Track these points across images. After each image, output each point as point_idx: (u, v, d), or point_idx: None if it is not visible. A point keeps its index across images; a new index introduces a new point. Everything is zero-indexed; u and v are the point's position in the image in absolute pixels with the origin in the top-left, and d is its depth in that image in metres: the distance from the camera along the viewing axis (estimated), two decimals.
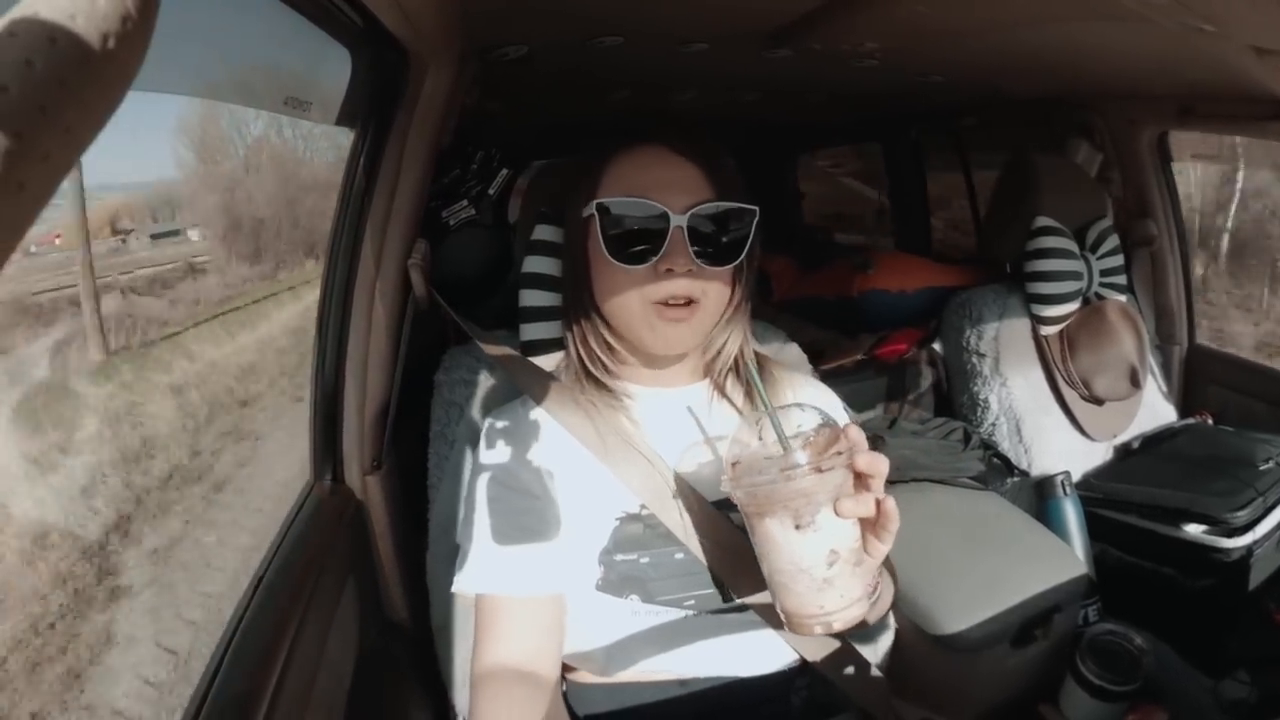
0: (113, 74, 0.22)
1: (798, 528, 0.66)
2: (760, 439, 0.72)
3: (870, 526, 0.68)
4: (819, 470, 0.64)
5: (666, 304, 0.82)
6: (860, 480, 0.67)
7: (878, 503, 0.67)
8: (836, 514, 0.65)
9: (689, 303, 0.83)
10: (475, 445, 0.93)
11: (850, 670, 0.93)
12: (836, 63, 1.36)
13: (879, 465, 0.66)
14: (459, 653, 1.03)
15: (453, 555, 1.02)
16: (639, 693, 0.86)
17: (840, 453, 0.65)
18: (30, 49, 0.20)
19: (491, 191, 1.30)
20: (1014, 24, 1.07)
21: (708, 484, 0.87)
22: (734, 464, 0.70)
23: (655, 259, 0.81)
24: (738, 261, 0.85)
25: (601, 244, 0.82)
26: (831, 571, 0.66)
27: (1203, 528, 1.44)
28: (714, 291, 0.84)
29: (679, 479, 0.86)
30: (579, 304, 0.90)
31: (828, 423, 0.71)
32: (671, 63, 1.38)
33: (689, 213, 0.81)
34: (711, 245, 0.82)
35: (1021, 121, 2.12)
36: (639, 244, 0.81)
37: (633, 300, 0.83)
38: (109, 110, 0.22)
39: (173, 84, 0.74)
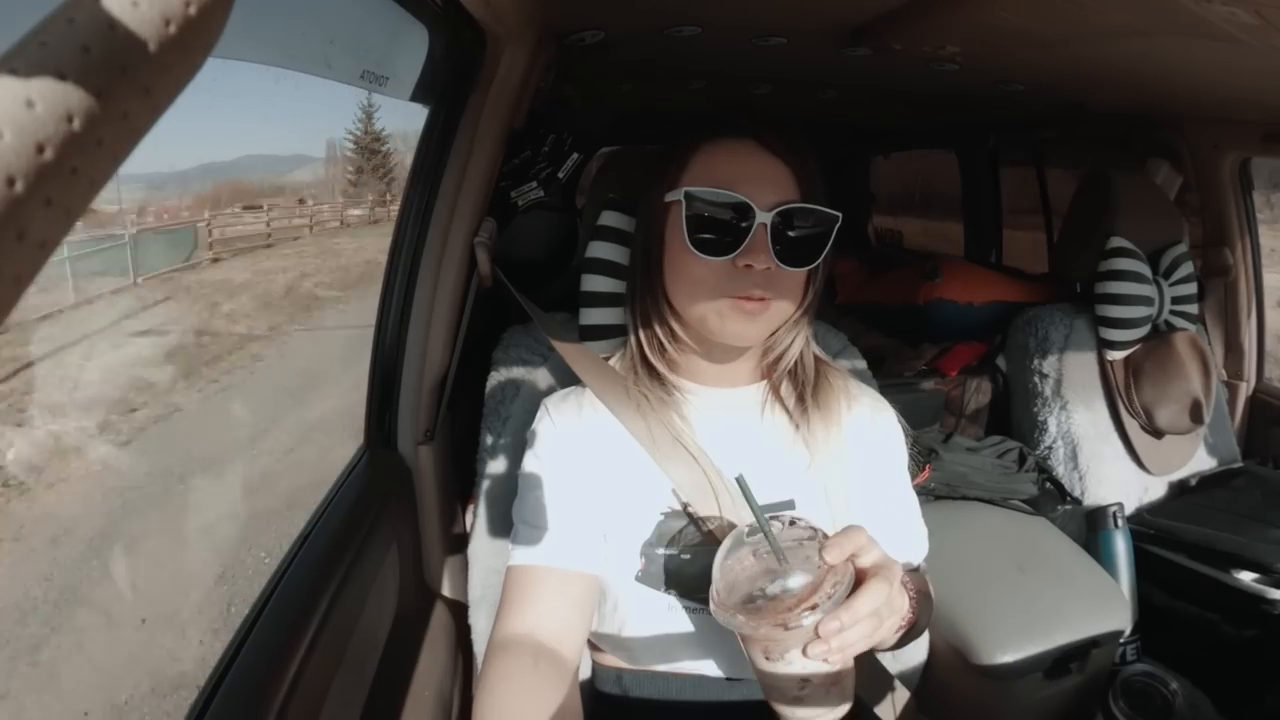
0: (193, 40, 0.22)
1: (768, 659, 0.66)
2: (752, 539, 0.70)
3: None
4: (784, 628, 0.62)
5: (739, 298, 0.81)
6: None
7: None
8: (806, 656, 0.63)
9: (762, 300, 0.82)
10: (529, 424, 0.94)
11: (877, 685, 0.93)
12: (916, 64, 1.33)
13: (849, 622, 0.63)
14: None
15: (496, 530, 1.04)
16: (665, 684, 0.87)
17: (815, 605, 0.62)
18: (114, 12, 0.20)
19: (561, 174, 1.30)
20: (1100, 35, 1.03)
21: (752, 488, 0.87)
22: (720, 573, 0.69)
23: (735, 253, 0.80)
24: (814, 265, 0.84)
25: (684, 231, 0.81)
26: (803, 693, 0.66)
27: (1253, 576, 1.39)
28: (787, 292, 0.83)
29: (724, 481, 0.86)
30: (648, 288, 0.89)
31: (820, 538, 0.68)
32: (748, 56, 1.36)
33: (774, 211, 0.80)
34: (792, 246, 0.81)
35: (1102, 137, 2.05)
36: (721, 236, 0.80)
37: (706, 291, 0.82)
38: (188, 75, 0.23)
39: (251, 52, 0.76)
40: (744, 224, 0.80)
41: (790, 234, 0.81)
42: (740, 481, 0.72)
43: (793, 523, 0.71)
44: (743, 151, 0.84)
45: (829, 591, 0.63)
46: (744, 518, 0.84)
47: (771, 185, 0.82)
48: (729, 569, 0.69)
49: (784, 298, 0.83)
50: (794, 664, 0.65)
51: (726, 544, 0.71)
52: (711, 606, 0.68)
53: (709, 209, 0.81)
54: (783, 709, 0.69)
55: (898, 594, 0.68)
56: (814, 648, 0.62)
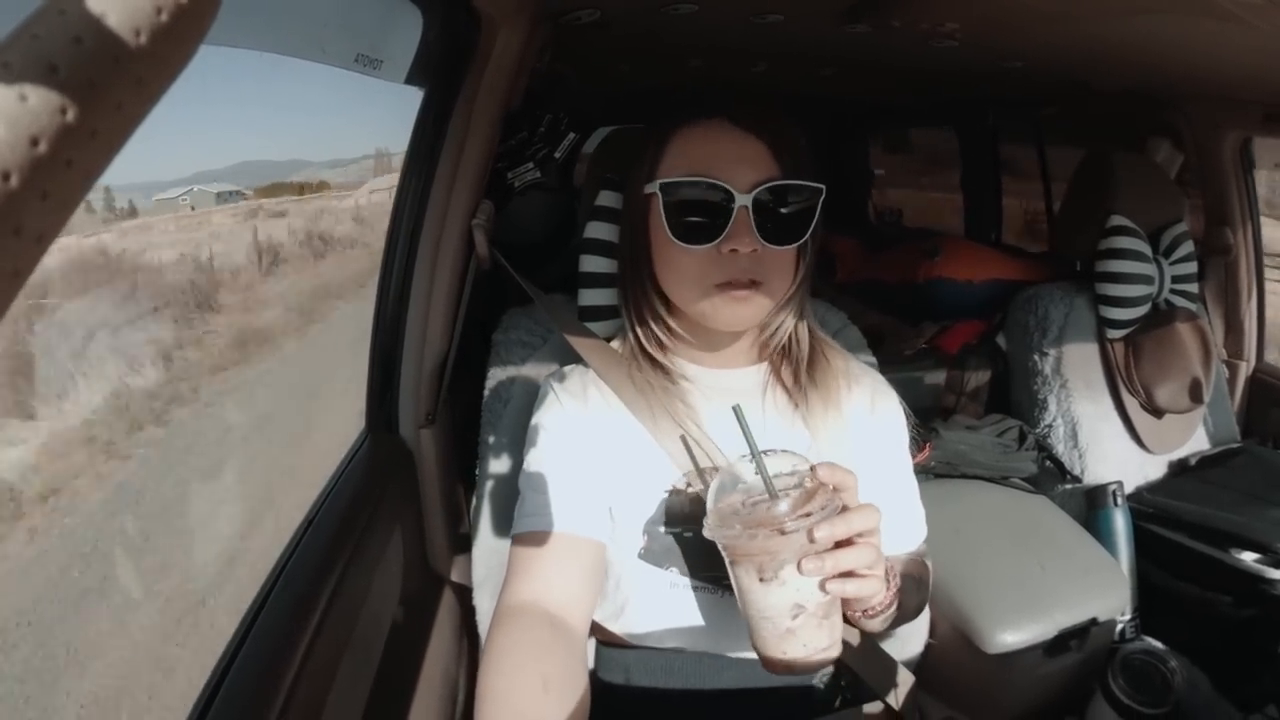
0: (185, 28, 0.22)
1: (761, 580, 0.66)
2: (745, 482, 0.71)
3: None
4: (781, 532, 0.64)
5: (729, 284, 0.80)
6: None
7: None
8: (800, 572, 0.65)
9: (751, 284, 0.81)
10: (530, 406, 0.94)
11: (878, 666, 0.93)
12: (915, 41, 1.32)
13: (841, 531, 0.65)
14: None
15: (499, 513, 1.04)
16: (667, 663, 0.87)
17: (809, 514, 0.64)
18: (105, 3, 0.20)
19: (558, 155, 1.28)
20: (1101, 14, 1.03)
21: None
22: (714, 510, 0.70)
23: (719, 239, 0.79)
24: (802, 241, 0.83)
25: (664, 223, 0.80)
26: (795, 623, 0.67)
27: (1253, 556, 1.39)
28: (778, 271, 0.83)
29: (725, 460, 0.85)
30: (637, 281, 0.89)
31: (807, 472, 0.70)
32: (746, 33, 1.35)
33: (754, 191, 0.78)
34: (776, 224, 0.80)
35: (1103, 115, 2.04)
36: (702, 223, 0.79)
37: (694, 281, 0.81)
38: (181, 64, 0.23)
39: (244, 39, 0.75)
40: (724, 209, 0.79)
41: (773, 212, 0.80)
42: (737, 411, 0.72)
43: (784, 451, 0.73)
44: (715, 132, 0.83)
45: (821, 503, 0.65)
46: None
47: (748, 164, 0.80)
48: (721, 511, 0.70)
49: (774, 278, 0.82)
50: (788, 584, 0.65)
51: (716, 483, 0.72)
52: (705, 531, 0.69)
53: (687, 198, 0.80)
54: (773, 652, 0.69)
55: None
56: (808, 562, 0.64)
